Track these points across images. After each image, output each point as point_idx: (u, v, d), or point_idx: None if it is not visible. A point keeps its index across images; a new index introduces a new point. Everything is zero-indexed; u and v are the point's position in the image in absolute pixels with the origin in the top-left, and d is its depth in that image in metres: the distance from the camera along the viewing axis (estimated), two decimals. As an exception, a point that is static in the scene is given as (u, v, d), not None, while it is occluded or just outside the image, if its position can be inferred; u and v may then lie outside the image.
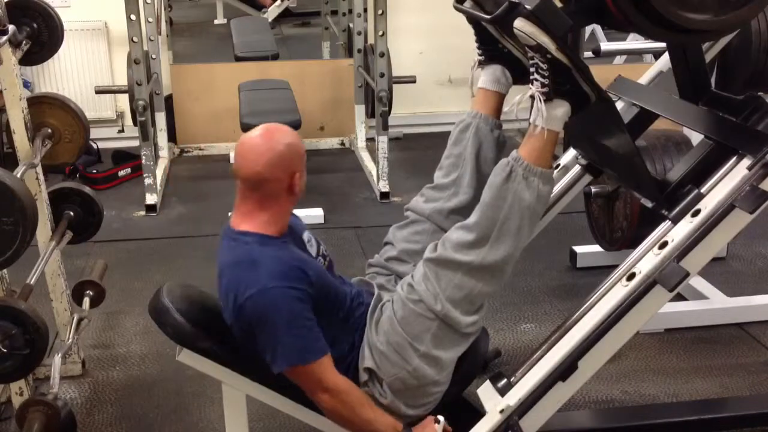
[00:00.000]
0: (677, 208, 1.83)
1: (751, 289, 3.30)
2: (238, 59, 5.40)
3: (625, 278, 1.82)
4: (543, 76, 1.74)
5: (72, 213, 2.67)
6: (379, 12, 4.31)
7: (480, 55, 2.14)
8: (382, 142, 4.31)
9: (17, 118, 2.39)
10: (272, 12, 7.42)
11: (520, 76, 2.01)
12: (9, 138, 2.45)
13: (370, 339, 1.90)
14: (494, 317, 3.12)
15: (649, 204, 1.96)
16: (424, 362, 1.85)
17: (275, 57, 5.45)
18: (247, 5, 7.71)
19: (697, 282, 3.13)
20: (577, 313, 1.89)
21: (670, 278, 1.75)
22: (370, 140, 5.06)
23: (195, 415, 2.56)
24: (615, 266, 1.93)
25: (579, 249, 3.51)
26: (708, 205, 1.78)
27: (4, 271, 2.24)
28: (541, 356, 1.86)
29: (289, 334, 1.76)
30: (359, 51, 4.94)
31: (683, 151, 3.15)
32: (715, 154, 1.93)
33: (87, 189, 2.74)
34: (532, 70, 1.77)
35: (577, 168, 2.44)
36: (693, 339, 2.96)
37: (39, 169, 2.46)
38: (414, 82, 4.77)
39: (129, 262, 3.66)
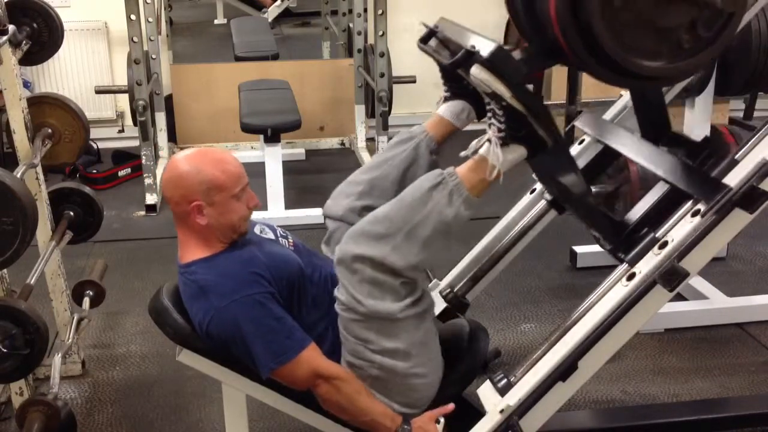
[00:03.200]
0: (633, 252, 1.83)
1: (751, 289, 3.30)
2: (238, 59, 5.40)
3: (625, 278, 1.82)
4: (499, 122, 1.74)
5: (72, 213, 2.67)
6: (379, 12, 4.31)
7: (446, 91, 2.13)
8: (382, 142, 4.32)
9: (17, 118, 2.39)
10: (272, 12, 7.42)
11: (484, 114, 2.02)
12: (9, 138, 2.45)
13: (342, 351, 1.89)
14: (494, 317, 3.12)
15: (606, 247, 1.97)
16: (386, 357, 1.82)
17: (275, 57, 5.46)
18: (247, 5, 7.71)
19: (697, 282, 3.13)
20: (577, 313, 1.89)
21: (670, 278, 1.75)
22: (370, 140, 5.06)
23: (195, 415, 2.56)
24: (615, 266, 1.93)
25: (579, 249, 3.51)
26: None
27: (4, 271, 2.24)
28: (541, 356, 1.86)
29: (259, 342, 1.77)
30: (359, 51, 4.94)
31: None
32: (672, 197, 1.92)
33: (87, 189, 2.74)
34: (489, 114, 1.78)
35: (543, 202, 2.47)
36: (693, 339, 2.96)
37: (39, 169, 2.46)
38: (414, 82, 4.77)
39: (129, 262, 3.66)
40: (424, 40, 2.00)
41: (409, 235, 1.75)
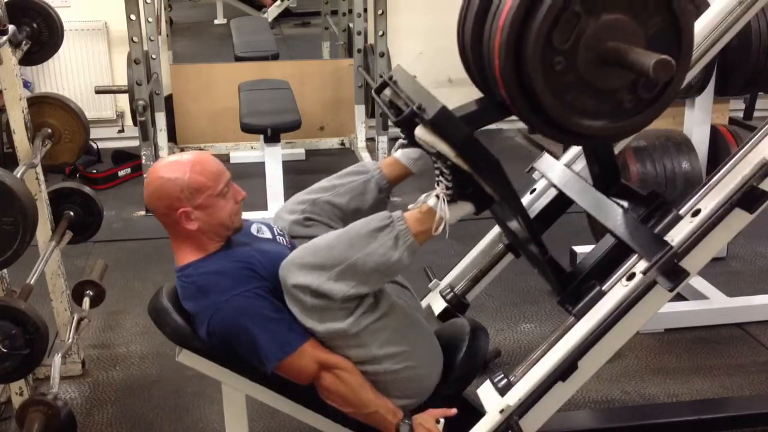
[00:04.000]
0: (579, 305, 1.84)
1: (751, 289, 3.30)
2: (238, 59, 5.40)
3: (625, 278, 1.82)
4: (447, 179, 1.75)
5: (72, 213, 2.67)
6: (379, 12, 4.31)
7: (404, 139, 2.13)
8: (382, 142, 4.32)
9: (17, 118, 2.39)
10: (272, 12, 7.43)
11: None
12: (9, 138, 2.45)
13: None
14: (494, 317, 3.13)
15: (555, 297, 1.97)
16: (367, 365, 1.83)
17: (275, 57, 5.46)
18: (247, 5, 7.72)
19: (697, 282, 3.13)
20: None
21: (670, 278, 1.75)
22: (370, 140, 5.06)
23: (195, 415, 2.56)
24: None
25: (579, 249, 3.51)
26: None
27: (4, 271, 2.24)
28: (541, 356, 1.86)
29: (264, 334, 1.77)
30: (359, 51, 4.94)
31: (683, 151, 3.16)
32: (618, 251, 1.93)
33: (87, 189, 2.74)
34: (436, 172, 1.79)
35: (501, 245, 2.49)
36: (693, 339, 2.96)
37: (39, 169, 2.46)
38: (414, 82, 4.76)
39: (129, 262, 3.66)
40: (377, 91, 2.00)
41: (346, 270, 1.74)
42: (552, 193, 2.35)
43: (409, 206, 1.84)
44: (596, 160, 2.09)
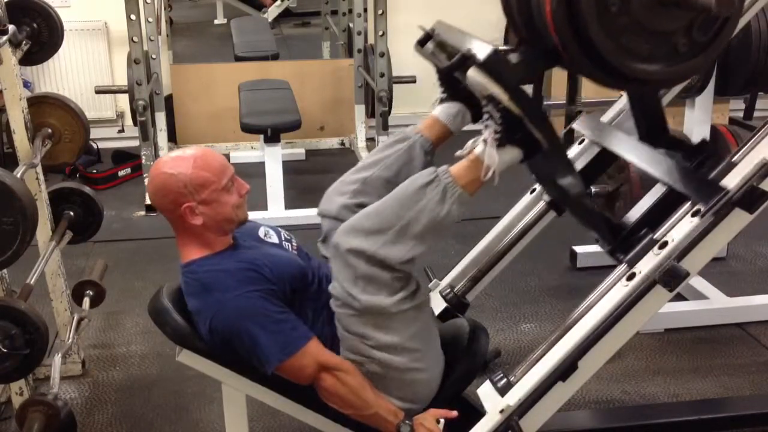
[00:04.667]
0: (632, 253, 1.83)
1: (751, 289, 3.30)
2: (238, 59, 5.40)
3: (625, 278, 1.82)
4: (496, 124, 1.75)
5: (72, 213, 2.67)
6: (379, 12, 4.31)
7: (442, 93, 2.13)
8: (382, 142, 4.31)
9: (17, 118, 2.39)
10: (272, 12, 7.42)
11: (480, 117, 2.02)
12: (9, 138, 2.45)
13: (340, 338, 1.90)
14: (494, 317, 3.13)
15: (605, 248, 1.97)
16: (383, 352, 1.83)
17: (275, 57, 5.46)
18: (247, 5, 7.71)
19: (697, 282, 3.13)
20: (577, 313, 1.89)
21: (670, 278, 1.75)
22: (370, 140, 5.06)
23: (195, 415, 2.56)
24: (615, 266, 1.93)
25: (579, 249, 3.51)
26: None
27: (4, 271, 2.24)
28: (541, 356, 1.86)
29: (265, 335, 1.77)
30: (359, 51, 4.95)
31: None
32: (669, 199, 1.93)
33: (87, 189, 2.74)
34: (486, 116, 1.78)
35: (543, 203, 2.47)
36: (693, 339, 2.96)
37: (39, 169, 2.46)
38: (414, 82, 4.77)
39: (129, 262, 3.66)
40: (421, 43, 2.01)
41: (401, 231, 1.75)
42: (593, 151, 2.33)
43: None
44: (643, 112, 2.07)
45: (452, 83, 2.08)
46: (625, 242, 1.90)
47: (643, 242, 1.83)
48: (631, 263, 1.82)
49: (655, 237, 1.81)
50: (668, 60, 1.61)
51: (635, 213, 2.01)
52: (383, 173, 2.09)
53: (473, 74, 1.66)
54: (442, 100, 2.14)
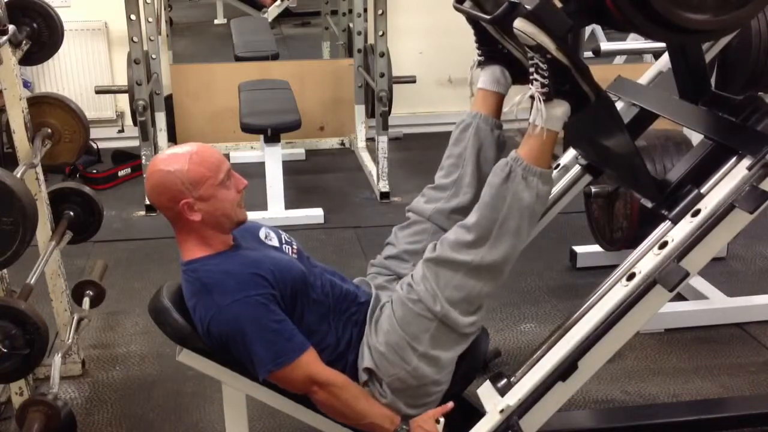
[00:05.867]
0: (677, 209, 1.84)
1: (751, 289, 3.30)
2: (238, 59, 5.40)
3: (625, 278, 1.82)
4: (543, 76, 1.74)
5: (72, 213, 2.67)
6: (379, 12, 4.31)
7: (480, 55, 2.14)
8: (382, 142, 4.31)
9: (17, 118, 2.39)
10: (272, 12, 7.42)
11: (519, 76, 2.00)
12: (9, 138, 2.45)
13: (369, 339, 1.90)
14: (494, 317, 3.12)
15: (649, 204, 1.96)
16: (423, 362, 1.85)
17: (275, 57, 5.45)
18: (247, 5, 7.71)
19: (697, 282, 3.13)
20: (577, 313, 1.89)
21: (670, 278, 1.75)
22: (370, 140, 5.05)
23: (195, 415, 2.56)
24: (615, 266, 1.93)
25: (579, 249, 3.51)
26: (708, 204, 1.78)
27: (4, 271, 2.24)
28: (541, 356, 1.86)
29: (259, 343, 1.77)
30: (359, 51, 4.94)
31: (683, 151, 3.15)
32: (715, 154, 1.93)
33: (87, 189, 2.73)
34: (531, 70, 1.77)
35: (577, 168, 2.44)
36: (693, 339, 2.96)
37: (39, 169, 2.46)
38: (414, 82, 4.77)
39: (129, 262, 3.66)
40: (459, 1, 2.00)
41: (500, 232, 1.81)
42: (631, 112, 2.30)
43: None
44: (685, 68, 2.05)
45: (489, 44, 2.08)
46: (669, 198, 1.90)
47: (688, 197, 1.83)
48: (676, 219, 1.82)
49: (701, 191, 1.81)
50: (717, 9, 1.61)
51: (677, 171, 2.00)
52: (467, 169, 2.11)
53: (521, 24, 1.66)
54: (479, 63, 2.15)
